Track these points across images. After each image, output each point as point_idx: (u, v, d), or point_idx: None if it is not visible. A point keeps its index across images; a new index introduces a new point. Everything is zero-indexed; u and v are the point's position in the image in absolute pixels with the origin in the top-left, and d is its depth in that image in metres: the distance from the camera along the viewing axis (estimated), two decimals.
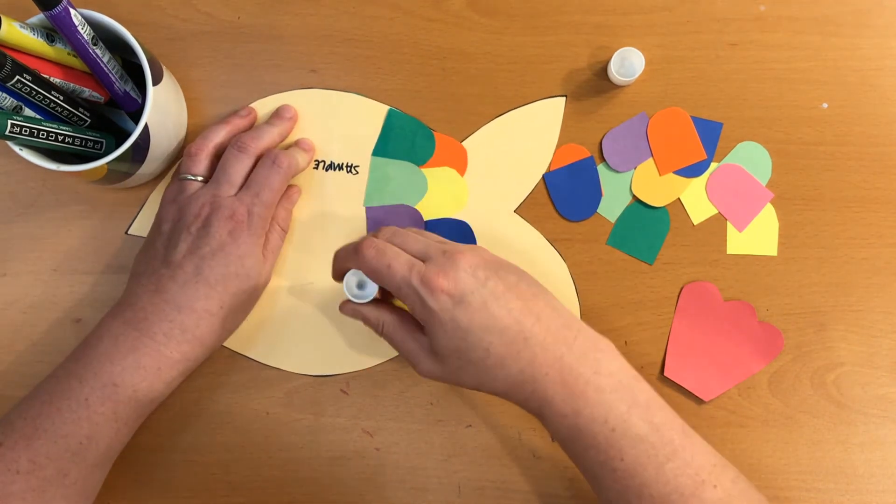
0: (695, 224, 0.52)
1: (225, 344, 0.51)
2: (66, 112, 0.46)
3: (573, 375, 0.41)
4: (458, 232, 0.52)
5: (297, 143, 0.51)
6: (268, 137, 0.50)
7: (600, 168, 0.53)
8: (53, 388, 0.44)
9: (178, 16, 0.53)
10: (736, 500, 0.41)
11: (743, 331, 0.51)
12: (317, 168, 0.52)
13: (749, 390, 0.51)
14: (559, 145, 0.53)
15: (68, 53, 0.45)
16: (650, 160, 0.53)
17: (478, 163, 0.53)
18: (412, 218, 0.52)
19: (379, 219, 0.52)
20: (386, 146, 0.53)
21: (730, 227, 0.52)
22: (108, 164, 0.45)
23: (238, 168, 0.48)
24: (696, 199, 0.52)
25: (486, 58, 0.53)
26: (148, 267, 0.46)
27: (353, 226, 0.52)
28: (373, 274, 0.43)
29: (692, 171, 0.52)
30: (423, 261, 0.42)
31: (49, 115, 0.45)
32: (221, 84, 0.53)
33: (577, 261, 0.52)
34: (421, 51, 0.53)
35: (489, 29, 0.53)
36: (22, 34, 0.43)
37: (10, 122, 0.41)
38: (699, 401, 0.51)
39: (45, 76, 0.44)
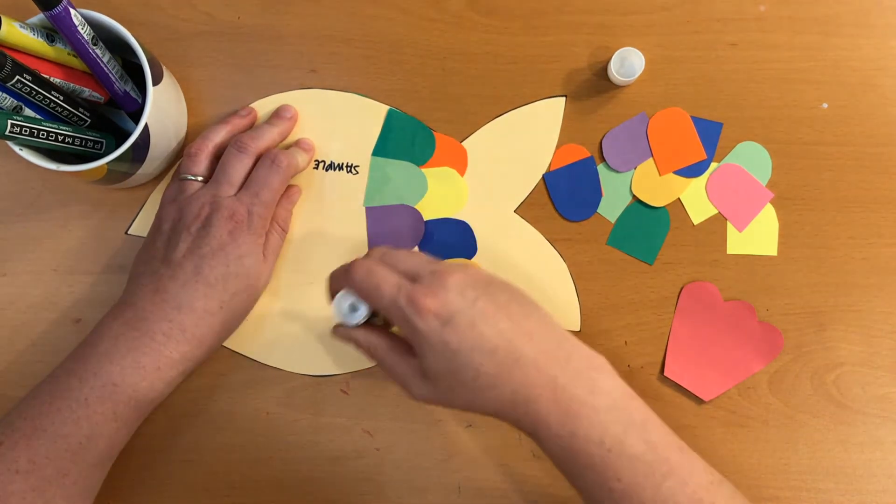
0: (695, 224, 0.52)
1: (225, 344, 0.50)
2: (66, 112, 0.46)
3: (567, 396, 0.40)
4: (458, 232, 0.52)
5: (296, 143, 0.51)
6: (268, 137, 0.50)
7: (600, 168, 0.53)
8: (53, 387, 0.44)
9: (178, 16, 0.53)
10: None
11: (743, 331, 0.51)
12: (317, 168, 0.52)
13: (749, 390, 0.51)
14: (559, 145, 0.53)
15: (68, 53, 0.45)
16: (650, 160, 0.53)
17: (478, 163, 0.53)
18: (412, 218, 0.52)
19: (379, 219, 0.52)
20: (386, 146, 0.53)
21: (730, 227, 0.52)
22: (108, 164, 0.45)
23: (238, 168, 0.48)
24: (696, 199, 0.52)
25: (486, 58, 0.53)
26: (148, 267, 0.46)
27: (353, 226, 0.52)
28: (363, 294, 0.42)
29: (692, 171, 0.52)
30: (413, 280, 0.41)
31: (49, 115, 0.45)
32: (221, 84, 0.53)
33: (577, 261, 0.52)
34: (421, 51, 0.53)
35: (489, 29, 0.53)
36: (22, 34, 0.43)
37: (10, 122, 0.41)
38: (699, 401, 0.51)
39: (45, 76, 0.44)
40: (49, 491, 0.42)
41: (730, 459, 0.50)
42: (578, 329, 0.52)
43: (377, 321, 0.46)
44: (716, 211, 0.52)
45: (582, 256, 0.52)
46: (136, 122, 0.46)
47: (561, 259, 0.52)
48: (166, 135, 0.49)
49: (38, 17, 0.44)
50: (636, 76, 0.51)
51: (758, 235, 0.52)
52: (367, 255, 0.44)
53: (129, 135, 0.45)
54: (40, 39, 0.44)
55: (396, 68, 0.53)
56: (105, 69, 0.46)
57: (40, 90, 0.43)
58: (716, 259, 0.52)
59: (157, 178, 0.52)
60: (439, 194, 0.52)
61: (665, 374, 0.51)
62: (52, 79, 0.45)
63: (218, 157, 0.49)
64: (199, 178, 0.48)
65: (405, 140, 0.53)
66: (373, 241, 0.52)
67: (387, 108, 0.53)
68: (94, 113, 0.48)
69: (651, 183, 0.52)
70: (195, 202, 0.46)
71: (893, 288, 0.52)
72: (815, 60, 0.53)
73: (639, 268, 0.52)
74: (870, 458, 0.50)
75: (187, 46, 0.53)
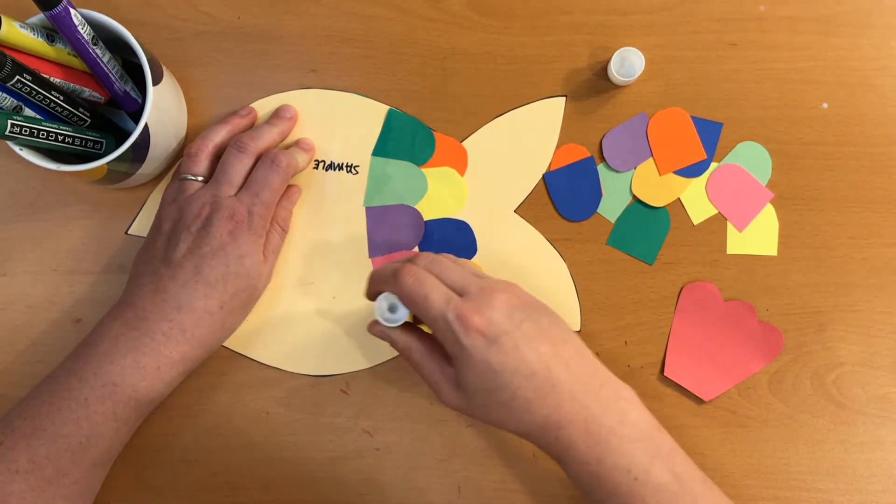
0: (695, 224, 0.52)
1: (225, 344, 0.50)
2: (66, 112, 0.46)
3: (597, 424, 0.41)
4: (458, 232, 0.52)
5: (296, 143, 0.51)
6: (268, 137, 0.50)
7: (600, 168, 0.53)
8: (53, 387, 0.44)
9: (178, 16, 0.53)
10: None
11: (743, 331, 0.51)
12: (317, 168, 0.52)
13: (749, 390, 0.51)
14: (559, 145, 0.53)
15: (68, 53, 0.45)
16: (650, 160, 0.53)
17: (478, 163, 0.53)
18: (412, 218, 0.52)
19: (379, 219, 0.52)
20: (386, 146, 0.53)
21: (730, 227, 0.52)
22: (108, 164, 0.45)
23: (238, 168, 0.48)
24: (696, 199, 0.52)
25: (486, 58, 0.53)
26: (148, 267, 0.46)
27: (353, 226, 0.52)
28: (409, 302, 0.42)
29: (692, 171, 0.52)
30: (460, 294, 0.42)
31: (49, 115, 0.45)
32: (221, 84, 0.53)
33: (577, 261, 0.52)
34: (421, 51, 0.53)
35: (489, 29, 0.53)
36: (22, 34, 0.43)
37: (10, 122, 0.41)
38: (699, 401, 0.51)
39: (45, 76, 0.44)
40: (49, 491, 0.42)
41: (730, 459, 0.50)
42: (579, 329, 0.52)
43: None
44: (716, 211, 0.52)
45: (582, 256, 0.52)
46: (136, 122, 0.46)
47: (561, 259, 0.52)
48: (166, 135, 0.49)
49: (38, 17, 0.44)
50: (636, 76, 0.51)
51: (758, 235, 0.52)
52: (413, 260, 0.44)
53: (129, 135, 0.45)
54: (40, 39, 0.44)
55: (396, 68, 0.53)
56: (105, 69, 0.46)
57: (40, 90, 0.43)
58: (716, 259, 0.52)
59: (157, 178, 0.52)
60: (439, 194, 0.52)
61: (665, 374, 0.51)
62: (52, 79, 0.45)
63: (218, 157, 0.49)
64: (200, 178, 0.48)
65: (405, 140, 0.53)
66: (373, 241, 0.52)
67: (387, 108, 0.53)
68: (94, 113, 0.48)
69: (651, 183, 0.52)
70: (195, 202, 0.46)
71: (893, 288, 0.52)
72: (815, 60, 0.53)
73: (639, 268, 0.52)
74: (870, 458, 0.50)
75: (187, 46, 0.53)
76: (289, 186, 0.51)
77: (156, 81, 0.46)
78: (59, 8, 0.42)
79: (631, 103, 0.53)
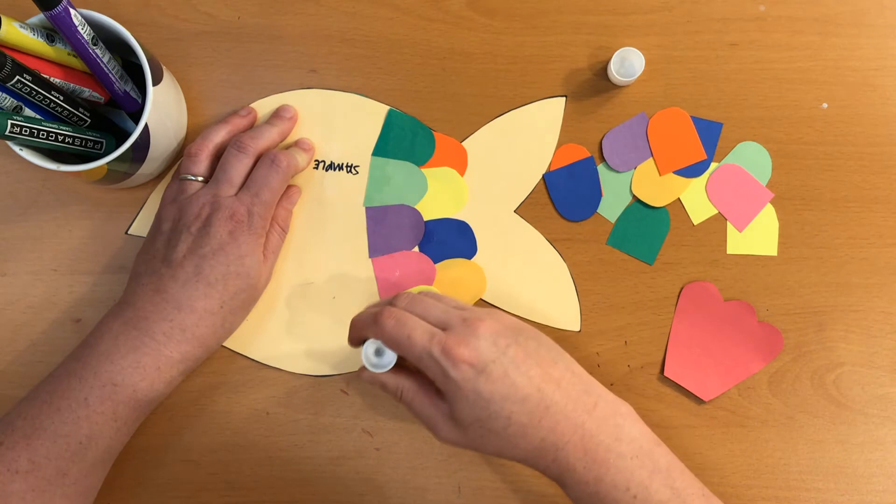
0: (695, 224, 0.52)
1: (225, 344, 0.50)
2: (66, 112, 0.46)
3: (594, 443, 0.41)
4: (458, 232, 0.52)
5: (296, 143, 0.51)
6: (267, 137, 0.50)
7: (600, 168, 0.53)
8: (53, 387, 0.44)
9: (178, 16, 0.53)
10: None
11: (743, 331, 0.51)
12: (317, 168, 0.52)
13: (749, 390, 0.51)
14: (559, 145, 0.53)
15: (68, 53, 0.45)
16: (650, 160, 0.53)
17: (478, 163, 0.53)
18: (412, 218, 0.52)
19: (379, 219, 0.52)
20: (386, 146, 0.53)
21: (730, 227, 0.52)
22: (108, 164, 0.45)
23: (238, 168, 0.48)
24: (696, 199, 0.52)
25: (486, 58, 0.53)
26: (148, 267, 0.46)
27: (353, 226, 0.52)
28: (393, 344, 0.42)
29: (692, 171, 0.52)
30: (444, 329, 0.42)
31: (49, 115, 0.45)
32: (221, 84, 0.53)
33: (577, 261, 0.52)
34: (421, 51, 0.53)
35: (489, 29, 0.53)
36: (22, 34, 0.43)
37: (10, 122, 0.41)
38: (699, 401, 0.51)
39: (45, 76, 0.44)
40: (49, 491, 0.42)
41: (730, 459, 0.50)
42: (578, 329, 0.52)
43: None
44: (716, 211, 0.52)
45: (582, 256, 0.52)
46: (136, 122, 0.46)
47: (561, 259, 0.52)
48: (166, 135, 0.49)
49: (38, 17, 0.44)
50: (636, 76, 0.51)
51: (758, 235, 0.52)
52: (393, 302, 0.44)
53: (129, 135, 0.45)
54: (40, 39, 0.44)
55: (396, 68, 0.53)
56: (105, 69, 0.46)
57: (40, 90, 0.43)
58: (716, 259, 0.52)
59: (157, 178, 0.52)
60: (439, 194, 0.52)
61: (665, 374, 0.51)
62: (52, 79, 0.45)
63: (218, 157, 0.49)
64: (200, 179, 0.48)
65: (405, 140, 0.53)
66: (373, 241, 0.52)
67: (387, 108, 0.53)
68: (94, 113, 0.48)
69: (651, 183, 0.52)
70: (195, 202, 0.46)
71: (893, 288, 0.52)
72: (815, 60, 0.53)
73: (639, 268, 0.52)
74: (870, 458, 0.50)
75: (187, 46, 0.53)
76: (289, 186, 0.51)
77: (156, 81, 0.46)
78: (59, 8, 0.42)
79: (631, 103, 0.53)
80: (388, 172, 0.52)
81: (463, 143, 0.53)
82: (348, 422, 0.51)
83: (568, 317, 0.52)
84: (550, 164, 0.53)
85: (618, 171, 0.52)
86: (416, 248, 0.52)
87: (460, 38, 0.53)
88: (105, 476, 0.46)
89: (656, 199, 0.52)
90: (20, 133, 0.42)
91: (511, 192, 0.53)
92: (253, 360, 0.51)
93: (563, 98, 0.53)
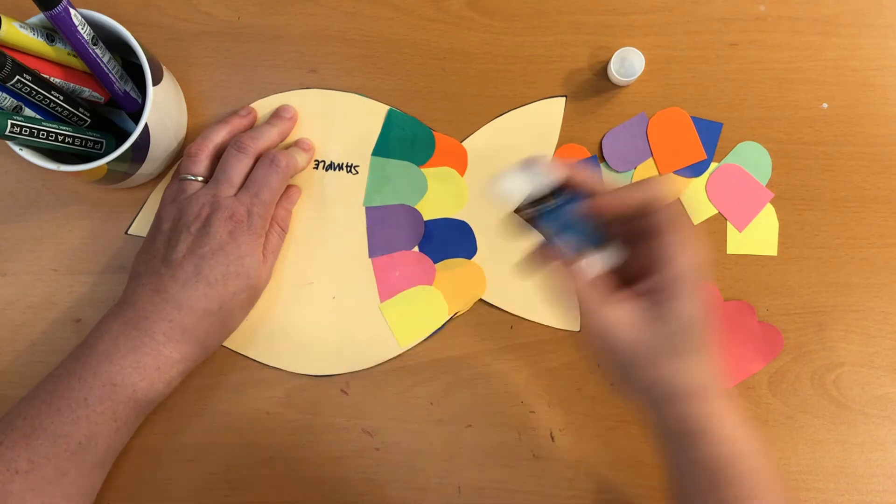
0: (695, 224, 0.52)
1: (225, 344, 0.50)
2: (66, 112, 0.46)
3: (737, 408, 0.40)
4: (458, 232, 0.52)
5: (296, 143, 0.51)
6: (267, 137, 0.50)
7: (601, 167, 0.53)
8: (53, 387, 0.44)
9: (178, 16, 0.53)
10: None
11: (743, 331, 0.51)
12: (317, 168, 0.52)
13: (749, 390, 0.51)
14: (559, 145, 0.53)
15: (68, 53, 0.45)
16: (650, 160, 0.52)
17: (478, 163, 0.53)
18: (412, 218, 0.52)
19: (379, 219, 0.52)
20: (386, 146, 0.53)
21: (730, 227, 0.52)
22: (108, 164, 0.45)
23: (238, 168, 0.48)
24: (696, 199, 0.52)
25: (486, 58, 0.53)
26: (148, 267, 0.46)
27: (353, 226, 0.52)
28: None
29: (692, 171, 0.52)
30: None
31: (49, 115, 0.45)
32: (221, 84, 0.53)
33: None
34: (421, 51, 0.53)
35: (489, 29, 0.53)
36: (22, 34, 0.43)
37: (10, 122, 0.41)
38: None
39: (45, 76, 0.44)
40: (48, 491, 0.42)
41: None
42: (578, 329, 0.52)
43: (548, 205, 0.41)
44: (716, 211, 0.52)
45: None
46: (136, 122, 0.46)
47: None
48: (166, 135, 0.49)
49: (38, 17, 0.44)
50: (636, 76, 0.51)
51: (758, 235, 0.52)
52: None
53: (129, 135, 0.45)
54: (40, 39, 0.44)
55: (396, 68, 0.53)
56: (105, 69, 0.46)
57: (40, 90, 0.43)
58: (716, 259, 0.52)
59: (157, 178, 0.52)
60: (439, 194, 0.52)
61: None
62: (52, 79, 0.45)
63: (218, 157, 0.49)
64: (199, 179, 0.48)
65: (405, 140, 0.53)
66: (373, 241, 0.52)
67: (387, 108, 0.53)
68: (94, 113, 0.48)
69: None
70: (195, 202, 0.46)
71: (893, 288, 0.52)
72: (815, 60, 0.53)
73: None
74: (870, 458, 0.50)
75: (187, 46, 0.53)
76: (288, 186, 0.51)
77: (156, 81, 0.46)
78: (59, 8, 0.42)
79: (631, 103, 0.53)
80: (388, 172, 0.52)
81: (463, 143, 0.53)
82: (348, 422, 0.51)
83: (568, 317, 0.52)
84: None
85: (618, 171, 0.52)
86: (416, 248, 0.52)
87: (460, 38, 0.53)
88: (105, 476, 0.46)
89: None
90: (20, 133, 0.42)
91: None
92: (253, 360, 0.51)
93: (563, 98, 0.53)
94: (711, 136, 0.53)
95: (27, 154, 0.45)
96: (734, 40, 0.53)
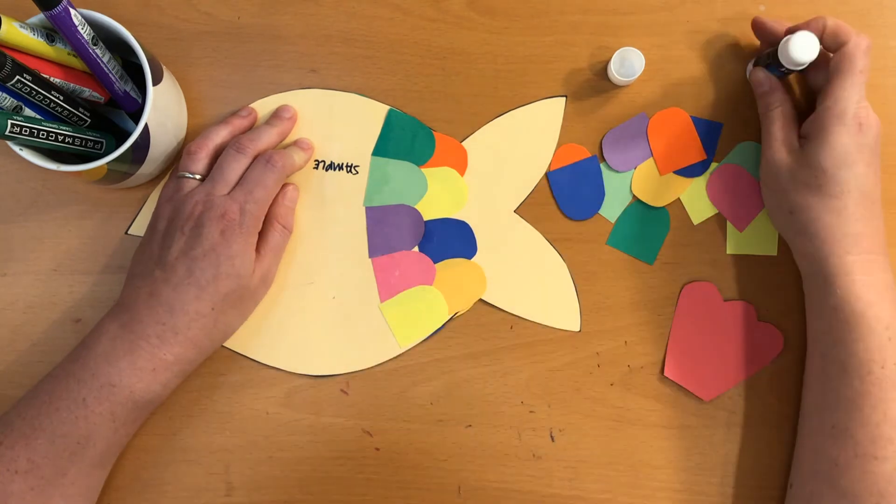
0: (695, 224, 0.52)
1: (225, 344, 0.50)
2: (66, 112, 0.46)
3: (882, 273, 0.44)
4: (458, 232, 0.52)
5: (295, 143, 0.51)
6: (266, 138, 0.50)
7: (602, 167, 0.53)
8: (52, 387, 0.44)
9: (178, 16, 0.53)
10: None
11: (743, 331, 0.51)
12: (317, 168, 0.53)
13: (749, 390, 0.51)
14: (559, 145, 0.53)
15: (68, 53, 0.45)
16: (650, 160, 0.52)
17: (478, 163, 0.53)
18: (412, 218, 0.52)
19: (379, 219, 0.52)
20: (386, 146, 0.53)
21: (730, 227, 0.52)
22: (108, 164, 0.45)
23: (235, 167, 0.48)
24: (696, 199, 0.52)
25: (486, 58, 0.53)
26: (143, 268, 0.46)
27: (353, 226, 0.52)
28: (851, 72, 0.45)
29: (692, 171, 0.52)
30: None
31: (49, 115, 0.45)
32: (221, 84, 0.53)
33: (577, 261, 0.52)
34: (421, 51, 0.53)
35: (489, 29, 0.53)
36: (22, 34, 0.43)
37: (10, 122, 0.41)
38: (699, 401, 0.51)
39: (45, 76, 0.44)
40: (48, 490, 0.42)
41: (730, 459, 0.50)
42: (578, 329, 0.52)
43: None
44: (716, 211, 0.52)
45: (582, 256, 0.52)
46: (136, 122, 0.46)
47: (561, 259, 0.52)
48: (166, 135, 0.49)
49: (38, 17, 0.44)
50: (636, 76, 0.51)
51: (758, 235, 0.52)
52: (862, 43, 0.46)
53: (129, 135, 0.45)
54: (40, 39, 0.44)
55: (396, 68, 0.53)
56: (105, 69, 0.46)
57: (40, 90, 0.43)
58: (716, 259, 0.52)
59: (157, 179, 0.52)
60: (439, 194, 0.52)
61: (665, 374, 0.51)
62: (52, 79, 0.45)
63: (217, 157, 0.49)
64: (197, 177, 0.48)
65: (405, 140, 0.53)
66: (373, 241, 0.52)
67: (387, 108, 0.53)
68: (94, 113, 0.48)
69: (651, 183, 0.52)
70: (189, 201, 0.46)
71: None
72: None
73: (639, 268, 0.52)
74: None
75: (187, 46, 0.53)
76: (285, 185, 0.51)
77: (156, 81, 0.46)
78: (59, 8, 0.42)
79: (631, 103, 0.53)
80: (388, 172, 0.52)
81: (463, 143, 0.53)
82: (348, 422, 0.51)
83: (568, 317, 0.52)
84: (550, 164, 0.53)
85: (618, 171, 0.52)
86: (416, 248, 0.52)
87: (460, 38, 0.53)
88: (105, 477, 0.46)
89: (656, 199, 0.52)
90: (20, 133, 0.42)
91: (511, 192, 0.53)
92: (253, 360, 0.51)
93: (563, 98, 0.53)
94: (711, 136, 0.53)
95: (27, 154, 0.45)
96: (734, 40, 0.53)
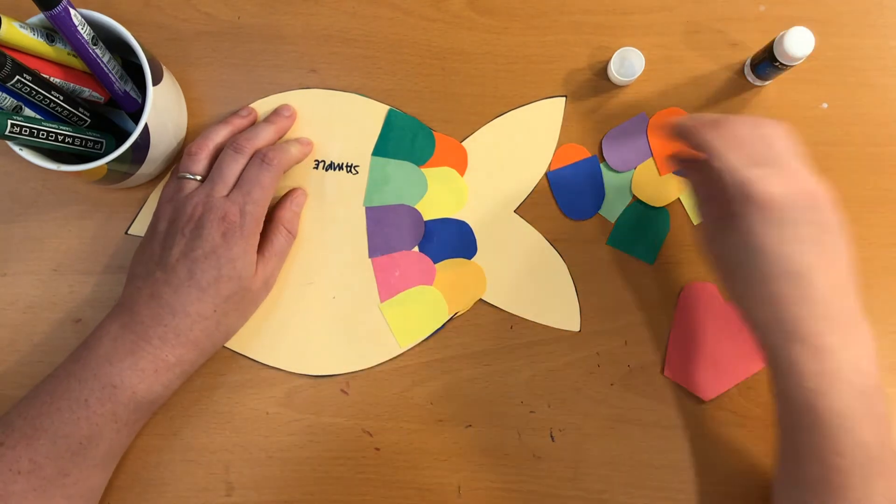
0: (695, 224, 0.52)
1: (225, 344, 0.50)
2: (66, 112, 0.46)
3: (834, 360, 0.39)
4: (458, 232, 0.52)
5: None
6: (264, 137, 0.50)
7: (603, 167, 0.53)
8: (53, 388, 0.44)
9: (178, 16, 0.53)
10: None
11: (743, 331, 0.51)
12: (317, 168, 0.53)
13: (749, 390, 0.51)
14: (559, 145, 0.53)
15: (68, 53, 0.45)
16: (650, 160, 0.53)
17: (478, 163, 0.53)
18: (412, 218, 0.52)
19: (379, 219, 0.52)
20: (386, 146, 0.53)
21: None
22: (108, 164, 0.45)
23: (233, 168, 0.48)
24: None
25: (486, 58, 0.53)
26: (144, 269, 0.46)
27: (352, 226, 0.52)
28: (712, 151, 0.41)
29: None
30: (757, 165, 0.41)
31: (49, 115, 0.45)
32: (221, 84, 0.53)
33: (577, 261, 0.52)
34: (421, 51, 0.53)
35: (489, 29, 0.53)
36: (22, 34, 0.43)
37: (10, 122, 0.41)
38: (699, 401, 0.51)
39: (45, 76, 0.44)
40: (50, 491, 0.42)
41: (730, 459, 0.50)
42: (578, 329, 0.52)
43: None
44: None
45: (582, 256, 0.52)
46: (136, 122, 0.46)
47: (561, 259, 0.52)
48: (166, 135, 0.49)
49: (38, 17, 0.44)
50: (636, 76, 0.51)
51: None
52: (734, 123, 0.42)
53: (129, 135, 0.45)
54: (40, 39, 0.44)
55: (396, 68, 0.53)
56: (105, 69, 0.46)
57: (40, 90, 0.43)
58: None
59: (157, 179, 0.52)
60: (439, 194, 0.52)
61: (665, 374, 0.51)
62: (52, 79, 0.45)
63: (218, 157, 0.49)
64: (198, 178, 0.48)
65: (405, 140, 0.53)
66: (373, 241, 0.52)
67: (387, 108, 0.53)
68: (94, 113, 0.48)
69: (651, 183, 0.52)
70: (189, 202, 0.46)
71: (893, 288, 0.52)
72: (815, 60, 0.53)
73: (639, 268, 0.52)
74: None
75: (187, 46, 0.53)
76: (293, 189, 0.51)
77: (156, 81, 0.46)
78: (59, 8, 0.42)
79: (631, 103, 0.53)
80: (388, 172, 0.52)
81: (463, 143, 0.53)
82: (348, 422, 0.51)
83: (568, 317, 0.52)
84: (550, 164, 0.53)
85: (618, 171, 0.52)
86: (416, 248, 0.52)
87: (460, 38, 0.53)
88: (108, 478, 0.46)
89: (656, 199, 0.52)
90: (20, 133, 0.42)
91: (511, 192, 0.53)
92: (253, 360, 0.51)
93: (563, 98, 0.53)
94: None
95: (27, 154, 0.45)
96: (734, 40, 0.53)
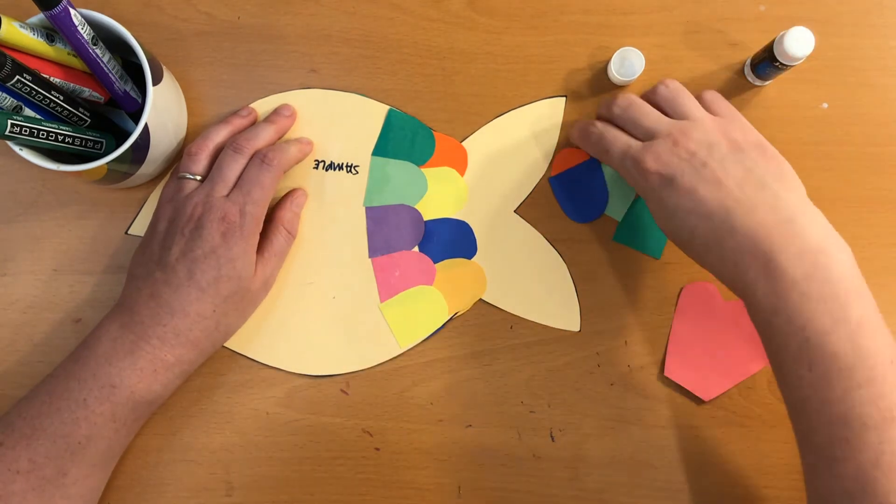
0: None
1: (225, 344, 0.50)
2: (66, 112, 0.46)
3: (779, 273, 0.39)
4: (458, 232, 0.52)
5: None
6: (264, 136, 0.50)
7: (603, 167, 0.53)
8: (53, 388, 0.44)
9: (178, 16, 0.53)
10: None
11: (743, 331, 0.51)
12: (317, 168, 0.53)
13: (749, 390, 0.51)
14: (559, 147, 0.53)
15: (68, 53, 0.45)
16: None
17: (478, 163, 0.53)
18: (412, 218, 0.52)
19: (379, 219, 0.52)
20: (386, 146, 0.53)
21: None
22: (108, 164, 0.45)
23: (233, 168, 0.48)
24: None
25: (486, 58, 0.53)
26: (144, 269, 0.46)
27: (352, 226, 0.52)
28: (594, 153, 0.48)
29: None
30: (652, 137, 0.44)
31: (49, 115, 0.45)
32: (221, 84, 0.53)
33: (577, 261, 0.52)
34: (421, 51, 0.53)
35: (489, 29, 0.53)
36: (22, 34, 0.43)
37: (10, 122, 0.41)
38: (699, 401, 0.51)
39: (45, 76, 0.44)
40: (49, 491, 0.42)
41: (730, 459, 0.50)
42: (578, 329, 0.52)
43: None
44: None
45: (582, 256, 0.52)
46: (136, 122, 0.46)
47: (561, 259, 0.52)
48: (166, 135, 0.49)
49: (38, 17, 0.44)
50: (636, 76, 0.51)
51: None
52: (611, 104, 0.48)
53: (129, 135, 0.45)
54: (40, 39, 0.44)
55: (396, 68, 0.53)
56: (105, 69, 0.46)
57: (40, 90, 0.43)
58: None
59: (157, 179, 0.52)
60: (439, 194, 0.52)
61: (665, 374, 0.51)
62: (52, 79, 0.45)
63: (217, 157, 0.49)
64: (198, 178, 0.48)
65: (405, 140, 0.53)
66: (373, 241, 0.52)
67: (387, 108, 0.53)
68: (94, 113, 0.48)
69: None
70: (189, 202, 0.46)
71: (893, 288, 0.52)
72: (815, 60, 0.53)
73: (639, 268, 0.52)
74: None
75: (187, 46, 0.53)
76: (294, 189, 0.51)
77: (156, 81, 0.46)
78: (59, 8, 0.42)
79: None
80: (388, 172, 0.52)
81: (463, 143, 0.53)
82: (348, 422, 0.51)
83: (568, 317, 0.52)
84: (551, 164, 0.53)
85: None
86: (416, 248, 0.52)
87: (460, 38, 0.53)
88: (107, 478, 0.46)
89: None
90: (20, 133, 0.42)
91: (511, 192, 0.53)
92: (253, 360, 0.51)
93: (563, 98, 0.53)
94: None
95: (27, 154, 0.45)
96: (734, 40, 0.53)
